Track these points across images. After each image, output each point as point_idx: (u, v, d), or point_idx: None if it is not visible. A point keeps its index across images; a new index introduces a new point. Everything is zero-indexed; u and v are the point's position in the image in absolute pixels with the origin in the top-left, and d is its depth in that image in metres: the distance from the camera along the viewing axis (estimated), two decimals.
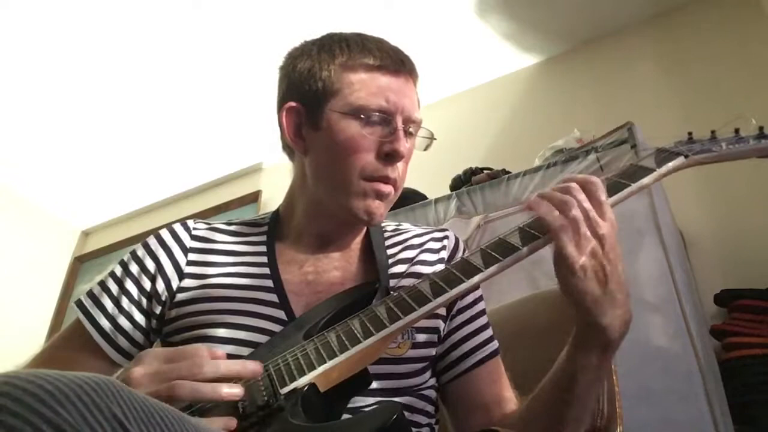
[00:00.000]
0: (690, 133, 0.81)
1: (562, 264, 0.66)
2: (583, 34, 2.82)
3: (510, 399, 0.86)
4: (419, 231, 0.99)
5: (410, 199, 2.17)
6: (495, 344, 0.91)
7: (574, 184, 0.68)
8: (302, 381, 0.65)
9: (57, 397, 0.38)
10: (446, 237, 0.98)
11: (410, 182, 2.21)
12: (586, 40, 2.85)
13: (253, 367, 0.65)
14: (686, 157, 0.77)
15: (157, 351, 0.64)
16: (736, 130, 0.80)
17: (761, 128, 0.79)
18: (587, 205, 0.66)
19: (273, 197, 3.31)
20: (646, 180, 0.74)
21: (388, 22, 2.52)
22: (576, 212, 0.66)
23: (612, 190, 0.73)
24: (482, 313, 0.93)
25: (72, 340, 0.87)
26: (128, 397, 0.42)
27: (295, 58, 0.91)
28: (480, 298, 0.94)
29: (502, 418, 0.83)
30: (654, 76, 2.59)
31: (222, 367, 0.63)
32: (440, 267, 0.91)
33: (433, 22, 2.71)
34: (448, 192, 2.13)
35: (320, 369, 0.66)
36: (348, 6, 2.53)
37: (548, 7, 2.64)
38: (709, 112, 2.22)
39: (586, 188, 0.68)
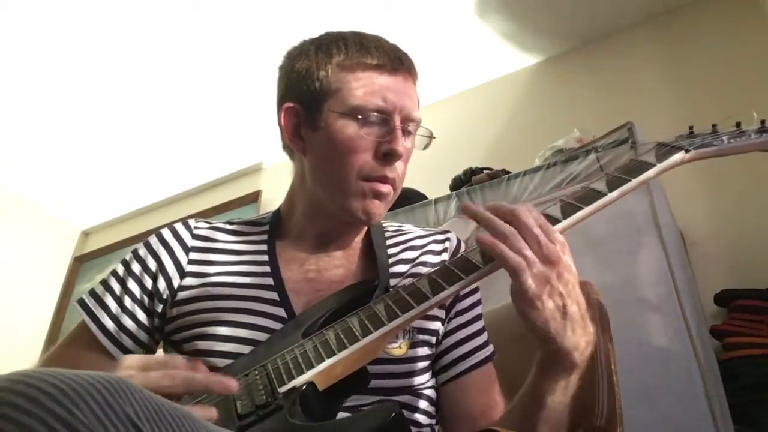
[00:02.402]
0: (691, 128, 0.80)
1: (520, 299, 0.64)
2: (583, 34, 2.82)
3: (497, 407, 0.86)
4: (421, 233, 0.99)
5: (410, 199, 2.16)
6: (489, 349, 0.91)
7: (521, 210, 0.66)
8: (301, 380, 0.65)
9: (71, 396, 0.38)
10: (448, 239, 0.97)
11: (410, 182, 2.22)
12: (586, 40, 2.84)
13: (230, 385, 0.62)
14: (687, 151, 0.75)
15: (133, 358, 0.63)
16: (738, 124, 0.78)
17: (763, 122, 0.77)
18: (537, 231, 0.65)
19: (273, 197, 3.31)
20: (646, 175, 0.73)
21: (388, 22, 2.52)
22: (527, 247, 0.64)
23: (613, 185, 0.72)
24: (479, 317, 0.93)
25: (77, 339, 0.87)
26: (140, 396, 0.41)
27: (293, 57, 0.91)
28: (478, 302, 0.94)
29: (487, 425, 0.83)
30: (654, 75, 2.59)
31: (197, 383, 0.61)
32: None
33: (433, 22, 2.71)
34: (448, 192, 2.13)
35: (319, 367, 0.66)
36: (348, 6, 2.53)
37: (548, 7, 2.64)
38: (709, 111, 2.22)
39: (533, 215, 0.66)
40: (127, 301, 0.87)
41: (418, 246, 0.95)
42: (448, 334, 0.89)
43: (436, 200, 2.08)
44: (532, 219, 0.66)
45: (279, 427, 0.61)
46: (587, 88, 2.75)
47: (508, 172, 2.07)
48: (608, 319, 1.00)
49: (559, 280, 0.65)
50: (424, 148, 0.93)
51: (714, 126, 0.79)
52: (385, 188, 0.84)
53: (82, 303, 0.88)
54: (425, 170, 2.26)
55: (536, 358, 0.71)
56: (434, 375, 0.88)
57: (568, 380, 0.69)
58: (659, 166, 0.74)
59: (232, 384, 0.62)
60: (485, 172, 2.16)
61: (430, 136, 0.92)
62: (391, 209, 1.99)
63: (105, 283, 0.90)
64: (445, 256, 0.94)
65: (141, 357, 0.64)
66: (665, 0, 2.64)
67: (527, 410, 0.72)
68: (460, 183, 2.18)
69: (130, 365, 0.62)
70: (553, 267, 0.64)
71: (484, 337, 0.91)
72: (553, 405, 0.70)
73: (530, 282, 0.63)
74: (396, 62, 0.86)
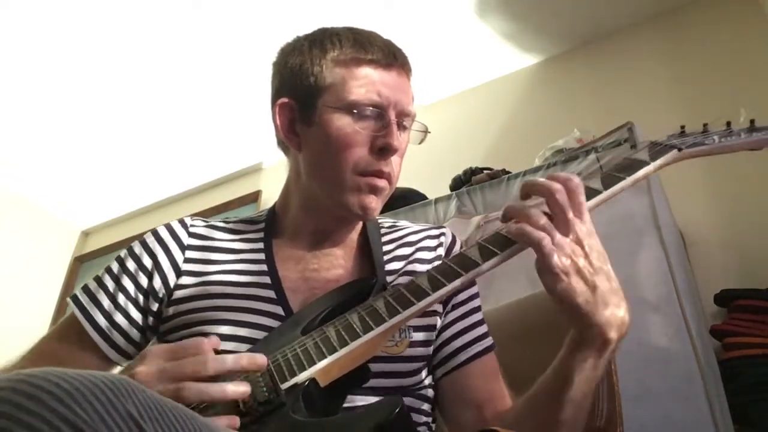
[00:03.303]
0: (682, 127, 0.82)
1: (546, 272, 0.65)
2: (583, 34, 2.82)
3: (503, 396, 0.86)
4: (416, 228, 0.99)
5: (410, 199, 2.17)
6: (489, 340, 0.91)
7: (556, 185, 0.67)
8: (303, 376, 0.65)
9: (74, 396, 0.38)
10: (443, 234, 0.97)
11: (410, 182, 2.23)
12: (586, 40, 2.85)
13: (259, 360, 0.64)
14: (679, 150, 0.77)
15: (159, 349, 0.64)
16: (728, 124, 0.80)
17: (752, 121, 0.79)
18: (569, 214, 0.66)
19: (273, 197, 3.28)
20: (640, 173, 0.74)
21: (388, 22, 2.52)
22: (553, 227, 0.65)
23: (607, 183, 0.73)
24: (477, 309, 0.93)
25: (68, 334, 0.86)
26: (143, 396, 0.42)
27: (287, 53, 0.91)
28: (476, 295, 0.94)
29: (495, 416, 0.83)
30: (654, 75, 2.59)
31: (228, 362, 0.62)
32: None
33: (433, 22, 2.71)
34: (448, 192, 2.13)
35: (320, 364, 0.66)
36: (348, 6, 2.54)
37: (548, 7, 2.65)
38: (709, 111, 2.21)
39: (567, 187, 0.67)
40: (121, 299, 0.86)
41: (412, 242, 0.95)
42: (445, 327, 0.89)
43: (436, 200, 2.08)
44: (566, 197, 0.66)
45: (282, 423, 0.61)
46: (587, 88, 2.75)
47: (508, 172, 2.07)
48: None
49: (586, 257, 0.65)
50: (420, 143, 0.93)
51: (705, 125, 0.80)
52: (381, 183, 0.84)
53: (74, 299, 0.87)
54: (425, 170, 2.27)
55: (568, 335, 0.70)
56: (434, 368, 0.88)
57: (599, 360, 0.68)
58: (652, 164, 0.75)
59: (264, 360, 0.64)
60: (485, 172, 2.16)
61: (425, 131, 0.92)
62: (391, 209, 2.00)
63: (98, 280, 0.89)
64: (441, 251, 0.94)
65: (165, 346, 0.64)
66: (665, 0, 2.64)
67: (554, 388, 0.71)
68: (460, 183, 2.18)
69: (158, 354, 0.63)
70: (580, 244, 0.65)
71: (483, 329, 0.91)
72: (580, 387, 0.69)
73: (556, 259, 0.63)
74: (390, 57, 0.86)
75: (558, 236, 0.65)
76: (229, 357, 0.63)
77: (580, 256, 0.65)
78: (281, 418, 0.61)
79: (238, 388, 0.61)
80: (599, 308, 0.65)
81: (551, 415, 0.71)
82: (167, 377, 0.60)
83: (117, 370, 0.86)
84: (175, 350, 0.63)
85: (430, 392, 0.87)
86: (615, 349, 0.69)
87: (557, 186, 0.67)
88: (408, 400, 0.82)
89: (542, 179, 0.68)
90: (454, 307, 0.91)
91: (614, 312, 0.66)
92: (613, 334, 0.67)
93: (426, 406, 0.85)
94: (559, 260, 0.63)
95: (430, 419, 0.86)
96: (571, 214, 0.66)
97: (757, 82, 2.29)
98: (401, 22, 2.63)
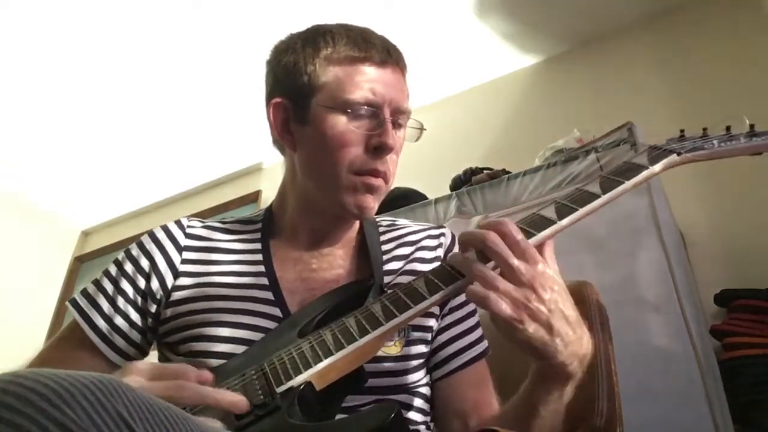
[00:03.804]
0: (682, 131, 0.81)
1: (498, 322, 0.63)
2: (583, 34, 2.82)
3: (490, 404, 0.86)
4: (415, 227, 0.98)
5: (410, 198, 2.17)
6: (483, 345, 0.90)
7: (489, 234, 0.64)
8: (298, 379, 0.65)
9: (63, 396, 0.38)
10: (443, 234, 0.97)
11: (410, 182, 2.22)
12: (586, 40, 2.85)
13: (240, 405, 0.62)
14: (679, 154, 0.76)
15: (143, 365, 0.62)
16: (728, 128, 0.79)
17: (752, 126, 0.78)
18: (511, 260, 0.63)
19: (273, 197, 3.31)
20: (639, 178, 0.74)
21: (388, 22, 2.51)
22: (496, 277, 0.62)
23: (605, 187, 0.73)
24: (473, 313, 0.92)
25: (69, 339, 0.86)
26: (133, 396, 0.41)
27: (280, 52, 0.90)
28: None
29: (480, 422, 0.83)
30: (654, 75, 2.59)
31: (207, 398, 0.60)
32: (436, 265, 0.91)
33: (433, 22, 2.71)
34: (448, 192, 2.13)
35: (316, 367, 0.65)
36: (348, 6, 2.53)
37: (548, 7, 2.64)
38: (709, 111, 2.22)
39: (501, 233, 0.64)
40: (120, 302, 0.86)
41: (412, 241, 0.94)
42: (441, 330, 0.89)
43: (436, 200, 2.08)
44: (502, 243, 0.64)
45: (277, 427, 0.60)
46: (587, 88, 2.75)
47: (508, 172, 2.07)
48: (608, 318, 1.00)
49: (538, 299, 0.62)
50: (416, 140, 0.92)
51: (705, 130, 0.80)
52: (377, 182, 0.84)
53: (74, 303, 0.87)
54: (425, 170, 2.27)
55: (531, 368, 0.69)
56: (428, 371, 0.88)
57: (563, 391, 0.68)
58: (651, 169, 0.75)
59: (242, 402, 0.62)
60: (485, 172, 2.16)
61: (421, 128, 0.91)
62: (391, 209, 2.00)
63: (97, 283, 0.89)
64: (440, 252, 0.94)
65: (150, 365, 0.63)
66: (665, 0, 2.64)
67: (520, 417, 0.71)
68: (460, 183, 2.18)
69: (140, 371, 0.61)
70: (529, 288, 0.62)
71: (478, 333, 0.91)
72: (547, 414, 0.69)
73: (505, 307, 0.61)
74: (384, 54, 0.85)
75: (503, 285, 0.62)
76: (210, 393, 0.61)
77: (532, 300, 0.62)
78: (277, 422, 0.61)
79: (233, 399, 0.60)
80: (558, 348, 0.63)
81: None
82: None
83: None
84: (159, 371, 0.62)
85: (427, 391, 0.87)
86: (578, 379, 0.68)
87: (490, 235, 0.64)
88: (406, 397, 0.82)
89: (475, 230, 0.65)
90: (451, 310, 0.90)
91: (574, 349, 0.65)
92: (575, 368, 0.66)
93: (424, 405, 0.85)
94: (509, 309, 0.61)
95: (428, 418, 0.86)
96: (513, 260, 0.63)
97: (757, 82, 2.28)
98: (401, 22, 2.63)
